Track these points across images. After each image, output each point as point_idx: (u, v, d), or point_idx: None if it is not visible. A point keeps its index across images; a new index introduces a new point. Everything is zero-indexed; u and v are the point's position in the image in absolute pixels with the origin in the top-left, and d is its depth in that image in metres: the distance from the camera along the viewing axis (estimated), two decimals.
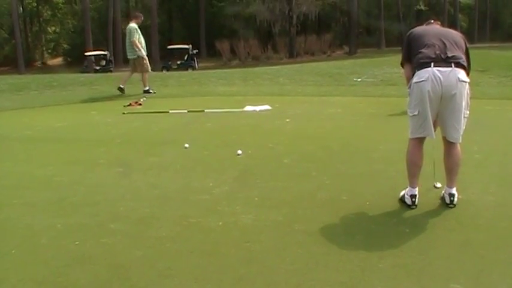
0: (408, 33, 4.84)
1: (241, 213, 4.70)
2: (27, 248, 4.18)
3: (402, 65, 4.89)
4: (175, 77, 18.57)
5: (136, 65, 13.85)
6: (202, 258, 3.82)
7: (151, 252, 3.96)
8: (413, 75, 4.53)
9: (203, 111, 10.50)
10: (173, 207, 4.95)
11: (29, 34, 65.57)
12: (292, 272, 3.55)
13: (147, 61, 13.97)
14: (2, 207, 5.25)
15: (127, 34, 13.92)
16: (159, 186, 5.65)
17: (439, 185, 4.98)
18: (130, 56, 13.95)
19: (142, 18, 14.42)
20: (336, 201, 4.95)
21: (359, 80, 15.63)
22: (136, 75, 14.22)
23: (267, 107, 10.72)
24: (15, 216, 4.95)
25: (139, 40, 13.83)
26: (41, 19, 66.53)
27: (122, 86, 13.96)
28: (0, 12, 62.96)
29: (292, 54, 45.78)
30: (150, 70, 14.31)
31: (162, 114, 10.49)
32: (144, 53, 13.86)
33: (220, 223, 4.47)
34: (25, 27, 64.28)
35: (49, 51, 67.31)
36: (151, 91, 14.01)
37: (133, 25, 13.88)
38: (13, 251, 4.13)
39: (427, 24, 5.00)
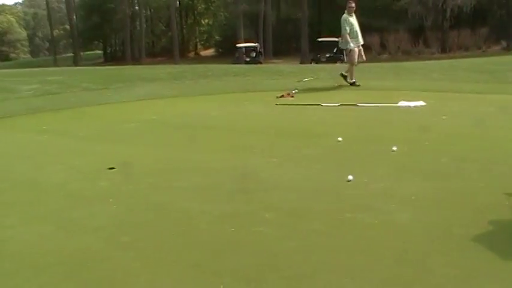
0: None
1: (398, 211, 4.54)
2: (185, 231, 4.35)
3: None
4: (326, 70, 18.52)
5: (346, 55, 13.96)
6: (357, 255, 3.72)
7: (305, 244, 3.94)
8: None
9: (356, 105, 10.36)
10: (327, 201, 4.90)
11: (184, 26, 68.83)
12: (450, 277, 3.34)
13: (353, 53, 13.81)
14: (163, 190, 5.54)
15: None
16: (312, 179, 5.64)
17: None
18: (342, 46, 14.03)
19: (353, 6, 13.86)
20: (498, 206, 4.58)
21: None
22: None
23: (421, 103, 10.34)
24: (174, 200, 5.20)
25: (353, 30, 13.72)
26: (195, 12, 69.56)
27: (353, 81, 13.92)
28: (158, 6, 66.75)
29: (445, 49, 43.89)
30: (355, 63, 14.08)
31: (314, 106, 10.50)
32: (352, 45, 13.71)
33: (376, 221, 4.33)
34: (181, 20, 67.55)
35: (202, 42, 70.37)
36: (356, 83, 13.93)
37: (344, 16, 13.79)
38: (172, 233, 4.32)
39: None
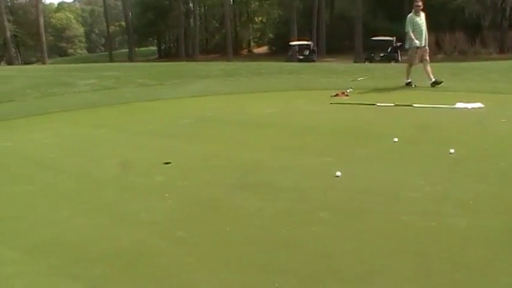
0: None
1: (455, 215, 4.41)
2: (240, 228, 4.35)
3: None
4: (380, 69, 18.31)
5: (409, 54, 13.62)
6: (414, 258, 3.64)
7: (360, 246, 3.88)
8: None
9: (411, 105, 10.18)
10: (383, 202, 4.81)
11: (238, 24, 69.16)
12: (510, 286, 3.28)
13: (413, 53, 13.43)
14: (217, 187, 5.55)
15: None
16: (368, 179, 5.56)
17: None
18: (406, 45, 13.76)
19: (419, 5, 13.33)
20: None
21: None
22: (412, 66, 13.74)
23: (479, 104, 10.05)
24: (229, 197, 5.22)
25: (417, 31, 13.31)
26: (249, 10, 69.77)
27: (433, 79, 13.42)
28: (212, 4, 67.23)
29: (503, 49, 42.58)
30: (414, 63, 13.65)
31: (368, 106, 10.38)
32: (414, 44, 13.26)
33: (434, 224, 4.23)
34: (234, 17, 67.88)
35: (255, 40, 70.54)
36: (412, 85, 13.64)
37: (410, 15, 13.44)
38: (227, 229, 4.34)
39: None
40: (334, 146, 7.28)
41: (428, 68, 13.43)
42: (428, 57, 13.52)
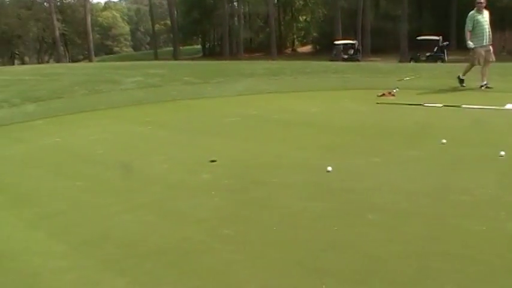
0: None
1: (507, 220, 4.28)
2: (287, 227, 4.34)
3: None
4: (427, 69, 18.02)
5: (471, 54, 13.28)
6: (463, 263, 3.55)
7: (409, 248, 3.82)
8: None
9: (460, 106, 9.98)
10: (431, 205, 4.73)
11: (282, 22, 69.06)
12: None
13: (476, 54, 12.85)
14: (263, 186, 5.55)
15: None
16: (416, 181, 5.46)
17: None
18: (469, 44, 13.31)
19: (482, 2, 12.76)
20: None
21: None
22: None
23: None
24: (275, 196, 5.21)
25: (478, 29, 12.80)
26: (293, 8, 69.64)
27: (485, 82, 12.97)
28: (257, 2, 67.26)
29: None
30: (476, 64, 13.08)
31: (415, 106, 10.21)
32: (472, 44, 12.80)
33: (484, 228, 4.13)
34: (278, 16, 67.82)
35: (299, 38, 70.38)
36: (464, 84, 13.27)
37: (471, 13, 12.92)
38: (274, 228, 4.34)
39: None
40: (381, 146, 7.18)
41: (487, 70, 13.04)
42: (494, 57, 13.10)
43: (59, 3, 68.18)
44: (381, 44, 51.99)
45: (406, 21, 48.35)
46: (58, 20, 61.89)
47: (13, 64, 61.00)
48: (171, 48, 71.09)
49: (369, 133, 8.07)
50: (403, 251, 3.80)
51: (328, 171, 5.76)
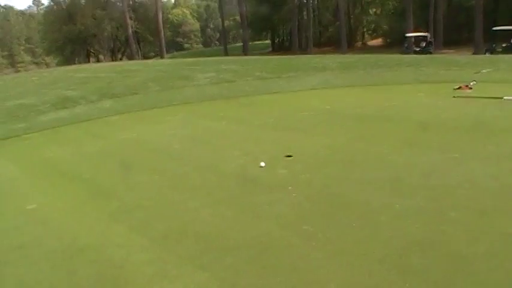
0: None
1: None
2: (367, 224, 4.27)
3: None
4: (506, 61, 17.28)
5: None
6: None
7: (496, 248, 3.68)
8: None
9: None
10: None
11: (351, 16, 68.18)
12: None
13: None
14: (340, 181, 5.48)
15: None
16: (500, 178, 5.23)
17: None
18: None
19: None
20: None
21: None
22: None
23: None
24: (353, 192, 5.14)
25: None
26: (363, 1, 68.62)
27: None
28: None
29: None
30: None
31: (495, 100, 9.83)
32: None
33: None
34: (348, 9, 66.99)
35: (369, 32, 69.36)
36: None
37: None
38: (354, 225, 4.27)
39: None
40: (459, 141, 6.93)
41: None
42: None
43: (131, 2, 69.78)
44: (453, 36, 50.50)
45: (481, 11, 46.70)
46: (131, 18, 63.31)
47: (89, 62, 63.03)
48: (241, 44, 71.49)
49: (447, 128, 7.80)
50: (489, 250, 3.67)
51: (261, 167, 5.93)
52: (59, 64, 63.88)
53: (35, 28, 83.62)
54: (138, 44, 71.83)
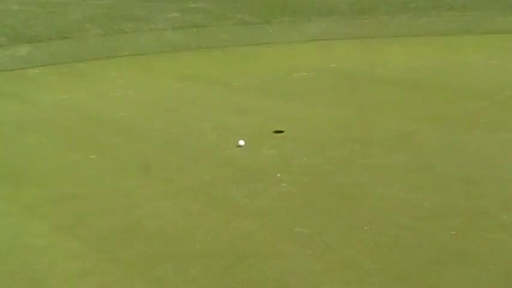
0: None
1: None
2: (382, 227, 4.28)
3: None
4: None
5: None
6: None
7: None
8: None
9: None
10: None
11: None
12: None
13: None
14: (349, 168, 5.55)
15: None
16: None
17: None
18: None
19: None
20: None
21: None
22: None
23: None
24: (365, 182, 5.19)
25: None
26: None
27: None
28: None
29: None
30: None
31: None
32: None
33: None
34: None
35: None
36: None
37: None
38: (365, 227, 4.29)
39: None
40: None
41: None
42: None
43: None
44: None
45: None
46: None
47: None
48: None
49: (499, 97, 7.81)
50: None
51: (240, 146, 5.99)
52: None
53: None
54: None
